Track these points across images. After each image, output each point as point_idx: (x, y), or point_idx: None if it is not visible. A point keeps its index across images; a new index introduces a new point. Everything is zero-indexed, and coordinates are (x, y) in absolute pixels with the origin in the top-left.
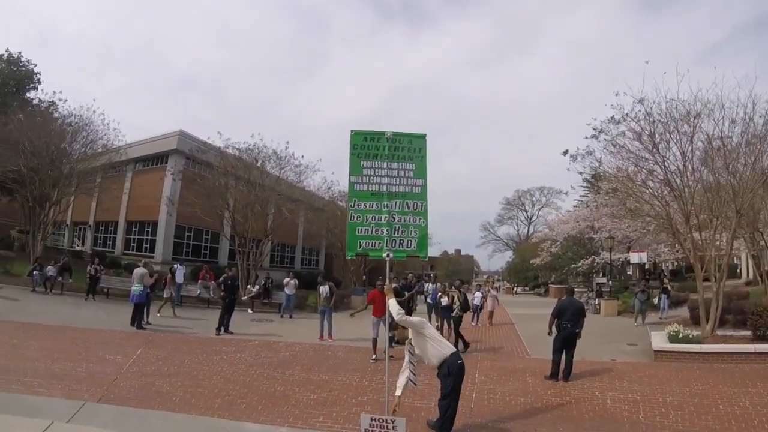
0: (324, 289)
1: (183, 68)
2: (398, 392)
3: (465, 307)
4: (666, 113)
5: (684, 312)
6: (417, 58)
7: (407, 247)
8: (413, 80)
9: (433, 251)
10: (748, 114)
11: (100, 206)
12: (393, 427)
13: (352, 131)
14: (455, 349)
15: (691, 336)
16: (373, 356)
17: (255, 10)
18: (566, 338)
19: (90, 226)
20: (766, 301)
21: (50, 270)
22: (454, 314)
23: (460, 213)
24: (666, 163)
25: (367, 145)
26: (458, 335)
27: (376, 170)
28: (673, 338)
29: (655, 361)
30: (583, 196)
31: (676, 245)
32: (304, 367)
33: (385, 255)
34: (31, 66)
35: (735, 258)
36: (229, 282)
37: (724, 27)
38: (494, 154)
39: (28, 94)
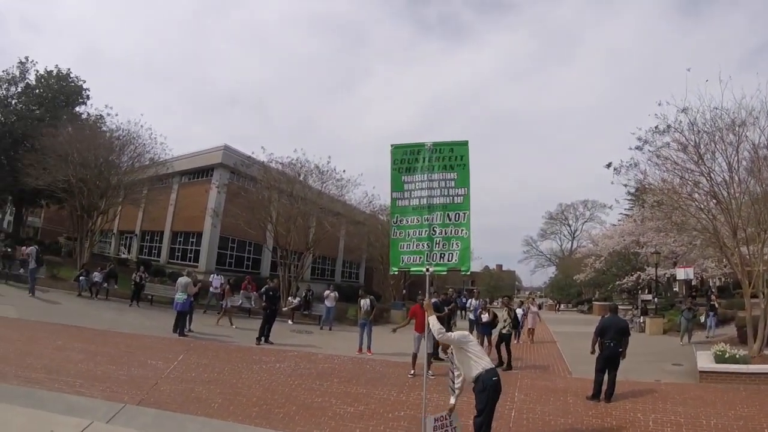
0: (365, 303)
1: (226, 86)
2: (452, 401)
3: (515, 324)
4: (710, 122)
5: (731, 330)
6: (455, 71)
7: (448, 260)
8: (451, 93)
9: (475, 266)
10: None
11: (147, 216)
12: (453, 428)
13: (392, 146)
14: (493, 366)
15: (737, 356)
16: (412, 371)
17: (294, 28)
18: (609, 358)
19: (136, 235)
20: None
21: (96, 276)
22: (504, 331)
23: (501, 227)
24: (712, 175)
25: (407, 159)
26: (508, 352)
27: (417, 184)
28: (719, 358)
29: (700, 382)
30: (628, 209)
31: (723, 260)
32: (341, 380)
33: (424, 270)
34: (80, 82)
35: None
36: (271, 293)
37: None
38: (535, 167)
39: (77, 109)
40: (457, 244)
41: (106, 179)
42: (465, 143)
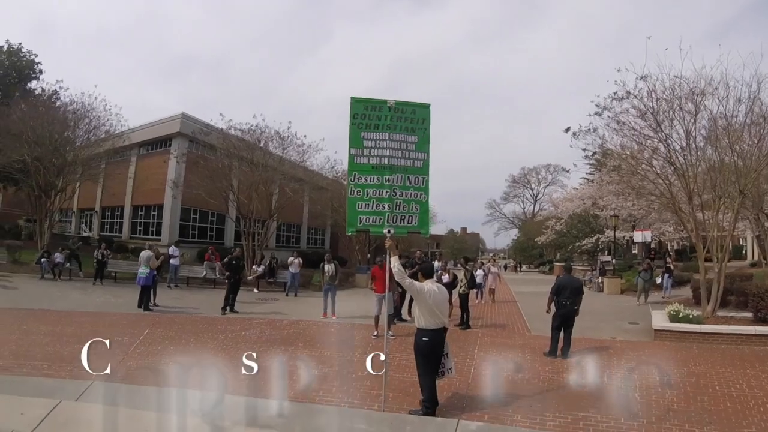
0: (329, 268)
1: (182, 47)
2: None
3: (472, 284)
4: (669, 90)
5: (687, 292)
6: (420, 32)
7: (408, 223)
8: (416, 56)
9: (439, 229)
10: (753, 93)
11: (106, 192)
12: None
13: (352, 98)
14: (436, 327)
15: (691, 316)
16: (375, 333)
17: None
18: (565, 316)
19: (96, 211)
20: None
21: (58, 257)
22: (461, 291)
23: (466, 191)
24: (669, 141)
25: (368, 115)
26: (467, 312)
27: (378, 142)
28: (674, 318)
29: (654, 340)
30: (589, 174)
31: (681, 225)
32: (306, 344)
33: (385, 231)
34: (32, 56)
35: (741, 239)
36: (234, 262)
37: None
38: (501, 131)
39: (29, 84)
40: (416, 207)
41: (62, 156)
42: (427, 106)
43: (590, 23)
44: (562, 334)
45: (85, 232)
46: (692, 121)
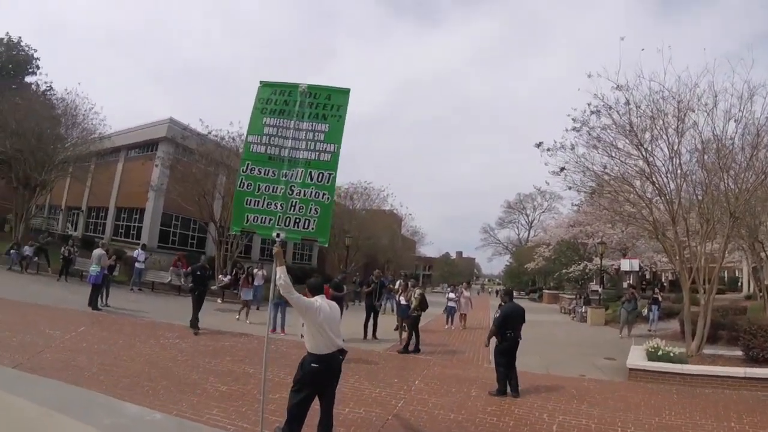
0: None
1: (188, 58)
2: None
3: (423, 305)
4: (653, 105)
5: (676, 325)
6: (425, 54)
7: (304, 227)
8: (420, 77)
9: (432, 251)
10: (744, 102)
11: (92, 192)
12: None
13: (261, 82)
14: (329, 352)
15: (672, 354)
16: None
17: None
18: (511, 349)
19: (82, 211)
20: (763, 318)
21: (26, 250)
22: (412, 314)
23: (465, 214)
24: (651, 159)
25: (275, 99)
26: (416, 335)
27: (280, 129)
28: (652, 355)
29: (629, 380)
30: (577, 199)
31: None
32: (235, 358)
33: (274, 234)
34: (31, 51)
35: (737, 270)
36: (198, 273)
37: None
38: (502, 155)
39: (27, 79)
40: (316, 209)
41: (44, 150)
42: (346, 91)
43: (593, 50)
44: (508, 371)
45: (69, 230)
46: (674, 134)
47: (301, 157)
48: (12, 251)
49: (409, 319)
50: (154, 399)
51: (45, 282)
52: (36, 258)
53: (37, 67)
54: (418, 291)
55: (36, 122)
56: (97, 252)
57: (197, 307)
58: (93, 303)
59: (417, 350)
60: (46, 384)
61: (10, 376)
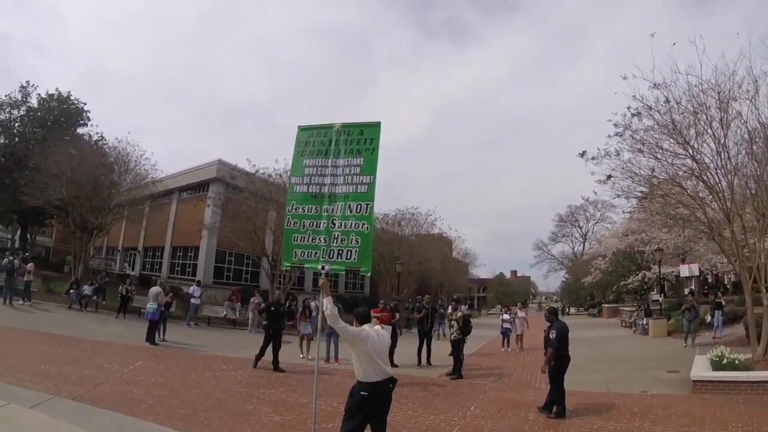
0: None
1: (232, 100)
2: None
3: (465, 329)
4: (694, 99)
5: (741, 330)
6: (463, 74)
7: (347, 258)
8: (460, 97)
9: (485, 272)
10: None
11: (148, 233)
12: None
13: (299, 127)
14: (378, 380)
15: (737, 361)
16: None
17: (298, 39)
18: (566, 367)
19: (139, 251)
20: None
21: (86, 289)
22: (452, 337)
23: (517, 232)
24: (699, 157)
25: (312, 141)
26: (459, 360)
27: (319, 169)
28: (716, 364)
29: (693, 393)
30: (631, 206)
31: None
32: (288, 388)
33: (320, 267)
34: (81, 104)
35: None
36: (272, 308)
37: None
38: (549, 168)
39: (79, 130)
40: (356, 240)
41: (99, 196)
42: (377, 125)
43: (631, 51)
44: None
45: (126, 270)
46: (721, 130)
47: (339, 191)
48: (72, 290)
49: (452, 344)
50: (208, 429)
51: (103, 320)
52: (95, 297)
53: (88, 119)
54: (459, 314)
55: (90, 170)
56: (154, 290)
57: (269, 343)
58: (150, 338)
59: (459, 376)
60: (103, 415)
61: (70, 408)
